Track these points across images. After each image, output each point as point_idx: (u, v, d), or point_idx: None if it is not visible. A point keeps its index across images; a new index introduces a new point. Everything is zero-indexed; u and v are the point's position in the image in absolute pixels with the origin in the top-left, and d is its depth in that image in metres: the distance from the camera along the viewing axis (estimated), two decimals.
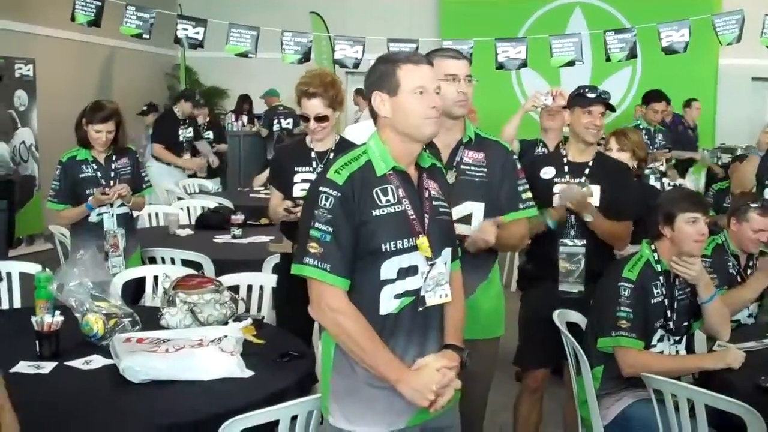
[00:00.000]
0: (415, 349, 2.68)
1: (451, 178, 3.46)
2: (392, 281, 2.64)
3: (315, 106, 4.12)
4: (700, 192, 8.44)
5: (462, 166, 3.52)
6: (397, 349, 2.64)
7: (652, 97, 8.14)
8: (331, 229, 2.55)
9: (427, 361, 2.66)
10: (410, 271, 2.66)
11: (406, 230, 2.66)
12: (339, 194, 2.57)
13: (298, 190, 4.12)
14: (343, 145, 4.09)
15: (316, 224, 2.56)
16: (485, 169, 3.53)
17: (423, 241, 2.66)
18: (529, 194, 3.62)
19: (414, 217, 2.67)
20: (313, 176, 4.09)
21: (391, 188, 2.65)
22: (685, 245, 3.76)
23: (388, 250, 2.62)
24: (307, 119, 4.15)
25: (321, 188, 2.59)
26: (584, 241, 4.22)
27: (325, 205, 2.56)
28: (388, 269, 2.63)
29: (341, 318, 2.59)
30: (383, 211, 2.62)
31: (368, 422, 2.67)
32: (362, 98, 13.80)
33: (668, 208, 3.80)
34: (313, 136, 4.16)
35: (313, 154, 4.20)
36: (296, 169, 4.14)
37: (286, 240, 4.22)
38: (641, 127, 7.94)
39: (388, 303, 2.65)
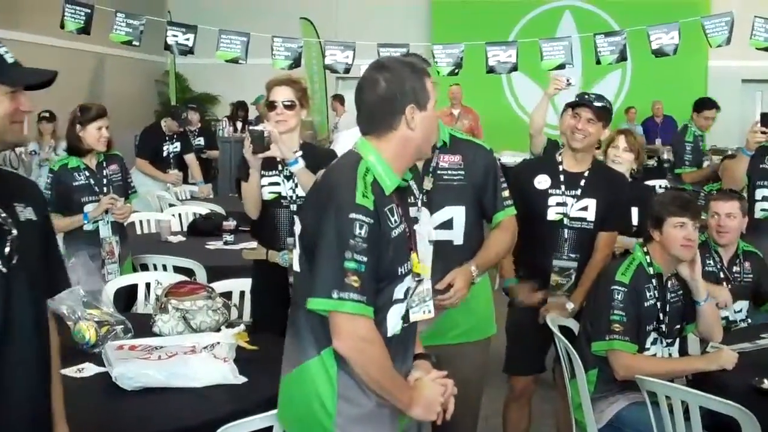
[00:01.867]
0: (404, 366, 2.64)
1: (428, 184, 3.47)
2: (401, 301, 2.58)
3: (284, 92, 4.10)
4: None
5: (438, 171, 3.51)
6: (395, 369, 2.57)
7: (704, 104, 8.08)
8: (366, 259, 2.38)
9: (416, 376, 2.63)
10: (409, 290, 2.61)
11: (408, 250, 2.60)
12: (372, 221, 2.41)
13: (266, 193, 4.10)
14: (309, 151, 4.07)
15: (354, 256, 2.37)
16: (463, 172, 3.52)
17: (414, 257, 2.61)
18: (507, 193, 3.62)
19: (408, 234, 2.60)
20: (279, 179, 4.10)
21: (395, 207, 2.55)
22: (673, 249, 3.76)
23: (402, 272, 2.55)
24: (273, 107, 4.10)
25: (352, 215, 2.39)
26: (577, 255, 4.22)
27: (360, 233, 2.38)
28: (400, 291, 2.56)
29: (371, 348, 2.44)
30: (394, 233, 2.51)
31: None
32: (340, 104, 13.78)
33: (657, 212, 3.81)
34: (275, 126, 4.01)
35: (278, 158, 4.10)
36: (263, 172, 4.10)
37: (260, 246, 4.22)
38: (696, 134, 7.86)
39: (396, 324, 2.57)
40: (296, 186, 4.02)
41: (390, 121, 2.54)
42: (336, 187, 2.47)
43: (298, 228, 2.59)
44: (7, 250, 2.14)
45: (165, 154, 9.22)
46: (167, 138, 9.23)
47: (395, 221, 2.52)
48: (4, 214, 2.17)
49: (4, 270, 2.13)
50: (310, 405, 2.53)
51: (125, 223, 5.49)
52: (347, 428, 2.52)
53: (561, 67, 8.05)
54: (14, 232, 2.17)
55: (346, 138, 4.43)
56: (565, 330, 4.09)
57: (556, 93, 5.44)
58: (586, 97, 4.25)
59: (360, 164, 2.51)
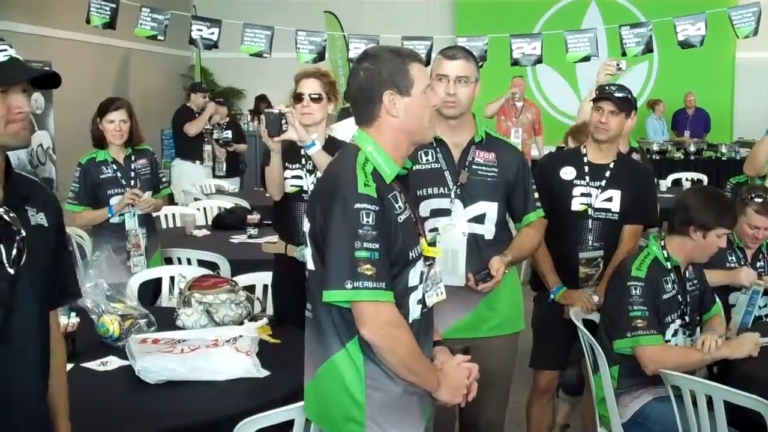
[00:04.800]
0: (426, 352, 2.66)
1: (463, 177, 3.49)
2: (416, 287, 2.61)
3: (312, 84, 4.12)
4: None
5: (474, 166, 3.53)
6: None
7: None
8: (377, 246, 2.41)
9: (441, 360, 2.67)
10: (423, 274, 2.65)
11: (416, 235, 2.63)
12: (377, 207, 2.43)
13: (288, 186, 4.13)
14: (333, 145, 4.03)
15: (364, 244, 2.40)
16: (496, 169, 3.54)
17: (423, 242, 2.65)
18: (537, 194, 3.66)
19: (415, 220, 2.65)
20: (302, 172, 4.12)
21: (398, 194, 2.58)
22: (706, 254, 3.79)
23: (413, 257, 2.58)
24: (300, 99, 4.11)
25: (357, 205, 2.42)
26: (602, 243, 4.20)
27: (368, 222, 2.41)
28: (414, 276, 2.60)
29: (399, 331, 2.48)
30: (401, 218, 2.54)
31: (409, 429, 2.62)
32: None
33: (708, 219, 3.73)
34: (301, 119, 4.01)
35: (302, 152, 4.09)
36: (286, 164, 4.12)
37: (280, 240, 4.24)
38: None
39: (414, 309, 2.61)
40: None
41: (371, 109, 2.57)
42: (338, 180, 2.50)
43: (307, 226, 2.61)
44: (14, 251, 2.14)
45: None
46: (197, 114, 9.73)
47: (400, 207, 2.54)
48: (13, 215, 2.16)
49: (11, 271, 2.13)
50: (340, 399, 2.57)
51: (154, 215, 5.54)
52: (377, 417, 2.55)
53: (586, 59, 8.01)
54: (23, 233, 2.16)
55: (340, 130, 4.44)
56: (589, 324, 4.07)
57: (607, 79, 5.29)
58: (606, 89, 4.24)
59: (359, 155, 2.54)
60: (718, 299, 4.09)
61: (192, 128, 9.65)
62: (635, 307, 3.67)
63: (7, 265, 2.12)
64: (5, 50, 2.12)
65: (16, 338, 2.16)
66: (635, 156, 4.94)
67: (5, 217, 2.14)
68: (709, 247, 3.76)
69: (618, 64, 5.04)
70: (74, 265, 2.49)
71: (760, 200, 4.39)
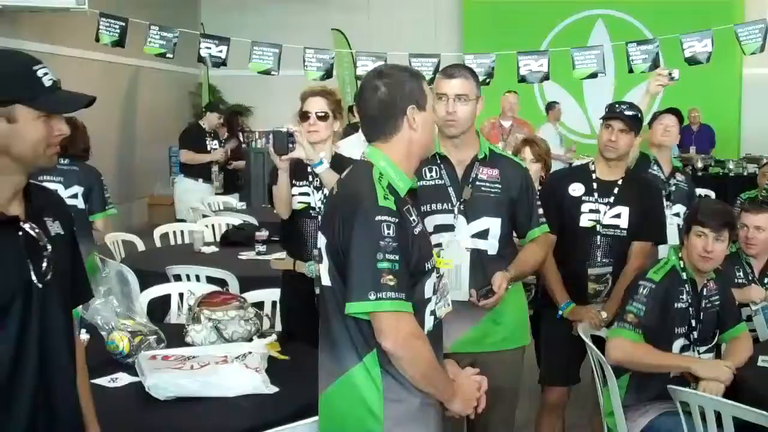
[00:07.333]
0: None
1: (467, 193, 3.52)
2: (430, 299, 2.63)
3: (318, 102, 4.14)
4: None
5: (477, 183, 3.56)
6: None
7: None
8: (398, 257, 2.43)
9: (453, 372, 2.69)
10: (435, 286, 2.67)
11: (431, 247, 2.67)
12: (396, 220, 2.46)
13: (296, 203, 4.16)
14: (339, 162, 4.04)
15: (386, 256, 2.42)
16: (499, 186, 3.57)
17: (434, 255, 2.68)
18: (541, 210, 3.67)
19: (426, 233, 2.68)
20: (309, 189, 4.15)
21: (411, 207, 2.62)
22: (692, 258, 3.74)
23: (429, 268, 2.61)
24: (306, 117, 4.13)
25: (378, 217, 2.45)
26: (611, 260, 4.21)
27: (389, 233, 2.43)
28: (429, 287, 2.62)
29: (420, 342, 2.50)
30: (416, 230, 2.58)
31: None
32: None
33: (688, 218, 3.82)
34: (308, 137, 4.03)
35: (309, 168, 4.11)
36: (294, 182, 4.14)
37: (288, 257, 4.25)
38: None
39: (428, 321, 2.63)
40: (325, 197, 4.04)
41: (393, 124, 2.61)
42: (357, 195, 2.53)
43: (322, 242, 2.62)
44: (44, 266, 2.17)
45: (208, 149, 9.48)
46: (208, 134, 9.51)
47: (414, 220, 2.59)
48: (38, 230, 2.18)
49: (40, 286, 2.16)
50: (357, 413, 2.57)
51: None
52: (395, 429, 2.56)
53: (593, 75, 8.04)
54: (49, 247, 2.18)
55: (346, 146, 4.47)
56: (597, 339, 4.07)
57: (659, 90, 5.21)
58: (617, 108, 4.25)
59: (373, 171, 2.58)
60: (744, 322, 4.03)
61: (186, 156, 9.46)
62: (634, 303, 3.67)
63: (36, 280, 2.15)
64: (47, 74, 2.14)
65: (51, 346, 2.21)
66: (679, 176, 4.94)
67: (32, 232, 2.17)
68: (692, 248, 3.73)
69: (671, 74, 4.94)
70: (84, 267, 2.52)
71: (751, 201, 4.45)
